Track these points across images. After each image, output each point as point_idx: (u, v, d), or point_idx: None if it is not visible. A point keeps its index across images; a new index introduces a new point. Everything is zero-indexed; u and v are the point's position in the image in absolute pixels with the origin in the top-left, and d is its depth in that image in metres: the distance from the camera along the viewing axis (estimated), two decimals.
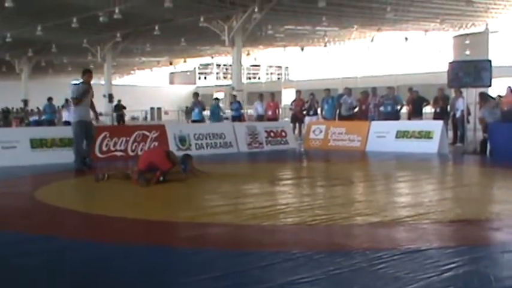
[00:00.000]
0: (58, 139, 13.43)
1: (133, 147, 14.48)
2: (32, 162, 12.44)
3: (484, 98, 15.69)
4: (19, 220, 6.65)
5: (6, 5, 28.07)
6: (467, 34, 44.57)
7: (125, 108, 33.32)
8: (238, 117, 22.63)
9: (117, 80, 69.25)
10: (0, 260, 4.86)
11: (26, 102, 48.83)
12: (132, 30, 40.34)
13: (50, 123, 25.06)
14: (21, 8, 30.34)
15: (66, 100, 25.53)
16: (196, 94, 22.85)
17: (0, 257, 4.93)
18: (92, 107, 11.98)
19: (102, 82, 51.98)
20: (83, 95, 11.57)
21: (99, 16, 32.21)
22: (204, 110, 22.51)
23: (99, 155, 13.88)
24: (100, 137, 14.03)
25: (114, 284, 4.18)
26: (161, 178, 9.23)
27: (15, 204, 7.90)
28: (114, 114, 33.32)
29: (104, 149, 14.06)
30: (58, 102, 26.96)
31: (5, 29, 38.18)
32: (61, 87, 46.77)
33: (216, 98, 25.41)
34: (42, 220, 6.67)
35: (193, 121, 21.39)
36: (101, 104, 46.53)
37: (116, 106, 33.05)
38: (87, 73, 11.98)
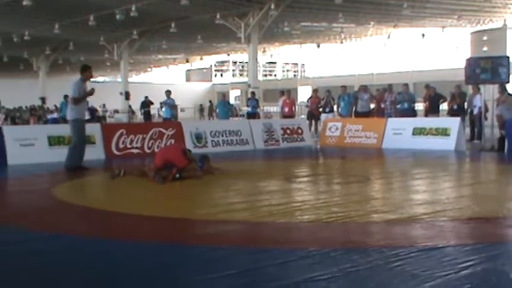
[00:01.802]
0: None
1: (150, 144, 14.54)
2: (49, 160, 12.51)
3: (503, 90, 15.52)
4: (37, 217, 6.70)
5: (24, 3, 28.29)
6: (485, 30, 44.19)
7: (152, 103, 32.99)
8: (253, 115, 22.66)
9: (133, 78, 69.52)
10: (18, 257, 4.90)
11: (43, 100, 49.18)
12: (148, 28, 40.48)
13: (66, 120, 25.10)
14: (39, 7, 30.56)
15: (65, 96, 25.58)
16: (168, 91, 22.99)
17: (17, 254, 4.97)
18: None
19: (119, 80, 52.20)
20: (86, 95, 11.29)
21: (116, 14, 32.35)
22: (174, 107, 22.76)
23: (115, 152, 13.97)
24: (116, 135, 14.11)
25: (130, 281, 4.20)
26: (177, 175, 9.26)
27: (32, 201, 7.96)
28: (142, 110, 33.01)
29: (121, 146, 14.13)
30: None
31: (23, 27, 38.47)
32: None
33: (223, 95, 25.52)
34: (59, 217, 6.72)
35: (165, 119, 21.59)
36: (118, 102, 46.87)
37: (143, 102, 32.67)
38: (88, 69, 11.52)
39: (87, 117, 22.54)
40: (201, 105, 55.37)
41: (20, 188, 9.50)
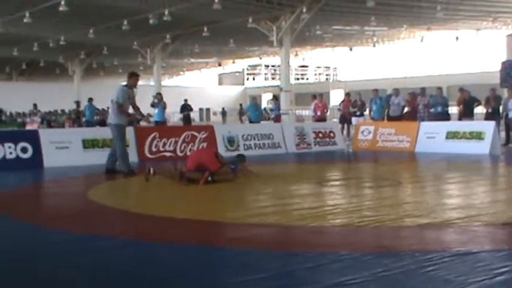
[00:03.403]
0: (109, 140, 13.64)
1: (182, 147, 14.63)
2: (84, 163, 12.70)
3: None
4: (72, 219, 6.80)
5: (61, 9, 28.77)
6: None
7: (191, 109, 32.42)
8: (275, 117, 22.84)
9: (166, 81, 70.09)
10: (54, 258, 4.98)
11: (78, 103, 49.84)
12: (181, 32, 40.80)
13: (90, 124, 24.93)
14: (74, 12, 31.02)
15: (89, 99, 25.75)
16: (159, 94, 23.02)
17: (53, 255, 5.06)
18: (137, 108, 11.70)
19: (152, 83, 52.64)
20: (126, 100, 11.24)
21: (149, 18, 32.67)
22: (165, 109, 22.74)
23: (148, 155, 14.10)
24: (149, 138, 14.23)
25: (161, 283, 4.23)
26: (210, 178, 9.30)
27: (68, 203, 8.10)
28: (181, 115, 32.84)
29: (153, 149, 14.25)
30: (109, 103, 27.01)
31: (59, 33, 39.15)
32: (112, 88, 47.70)
33: (254, 98, 25.39)
34: (94, 219, 6.80)
35: (156, 122, 21.50)
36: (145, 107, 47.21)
37: (182, 106, 32.42)
38: (134, 77, 11.63)
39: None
40: (223, 108, 55.59)
41: (57, 190, 9.67)
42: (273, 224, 6.18)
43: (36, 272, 4.56)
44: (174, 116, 45.96)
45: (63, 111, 41.98)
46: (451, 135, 15.60)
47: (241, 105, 50.92)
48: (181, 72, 76.17)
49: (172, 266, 4.62)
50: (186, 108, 31.48)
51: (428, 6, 33.32)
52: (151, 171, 9.76)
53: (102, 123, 25.79)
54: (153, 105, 22.46)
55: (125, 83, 11.93)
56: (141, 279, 4.33)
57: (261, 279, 4.20)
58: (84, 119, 28.10)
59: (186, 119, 31.27)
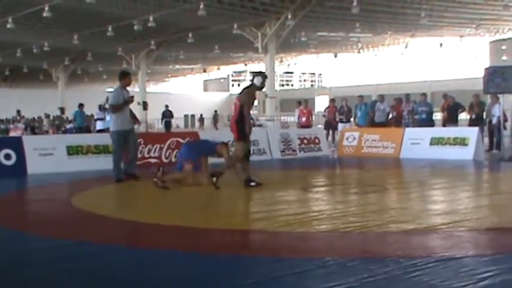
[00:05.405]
0: (93, 146, 13.61)
1: (167, 154, 14.59)
2: (68, 169, 12.63)
3: None
4: (56, 226, 6.75)
5: (44, 14, 28.64)
6: (504, 39, 43.98)
7: (172, 116, 32.17)
8: None
9: (151, 88, 69.93)
10: (37, 265, 4.96)
11: (62, 110, 49.62)
12: (166, 38, 40.77)
13: (81, 130, 24.63)
14: (58, 18, 30.91)
15: (100, 106, 25.49)
16: (81, 104, 23.04)
17: (37, 262, 5.03)
18: (130, 112, 11.45)
19: (137, 89, 52.49)
20: (125, 103, 10.91)
21: (134, 24, 32.62)
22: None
23: None
24: None
25: None
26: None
27: (52, 210, 8.05)
28: (163, 120, 32.69)
29: (138, 155, 14.17)
30: (93, 109, 26.84)
31: (42, 38, 38.94)
32: (96, 94, 47.46)
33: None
34: (79, 226, 6.76)
35: (99, 131, 20.75)
36: (135, 112, 47.13)
37: (164, 112, 32.20)
38: (126, 76, 11.22)
39: (101, 127, 22.54)
40: (201, 115, 55.80)
41: (41, 197, 9.60)
42: (259, 230, 6.18)
43: (27, 277, 4.54)
44: (158, 123, 45.91)
45: (47, 117, 41.70)
46: (435, 141, 15.68)
47: (216, 111, 51.14)
48: (166, 79, 76.09)
49: (161, 272, 4.61)
50: (166, 114, 31.49)
51: (412, 13, 33.56)
52: (161, 171, 9.71)
53: (88, 129, 25.62)
54: (102, 108, 21.52)
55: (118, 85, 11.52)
56: (133, 285, 4.33)
57: (248, 284, 4.22)
58: (72, 125, 27.84)
59: (167, 126, 31.24)
